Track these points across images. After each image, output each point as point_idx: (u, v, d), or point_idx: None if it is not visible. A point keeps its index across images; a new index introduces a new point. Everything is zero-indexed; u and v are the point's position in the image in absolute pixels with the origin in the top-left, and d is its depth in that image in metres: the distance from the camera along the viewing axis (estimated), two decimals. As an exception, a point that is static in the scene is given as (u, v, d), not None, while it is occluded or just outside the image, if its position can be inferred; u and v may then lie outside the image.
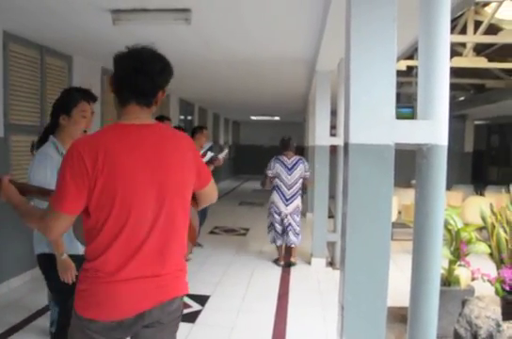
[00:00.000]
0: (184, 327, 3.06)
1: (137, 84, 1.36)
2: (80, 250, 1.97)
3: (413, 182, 6.15)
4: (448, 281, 2.77)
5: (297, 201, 4.87)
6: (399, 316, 2.64)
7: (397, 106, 1.52)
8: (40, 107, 4.30)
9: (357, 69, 1.49)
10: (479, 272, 2.65)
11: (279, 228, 4.87)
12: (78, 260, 1.82)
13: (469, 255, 2.80)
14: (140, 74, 1.35)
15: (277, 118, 15.28)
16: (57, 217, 1.29)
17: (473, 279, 2.73)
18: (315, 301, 3.79)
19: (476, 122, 11.60)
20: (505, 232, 2.52)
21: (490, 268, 2.55)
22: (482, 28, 5.05)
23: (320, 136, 4.94)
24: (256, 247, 5.73)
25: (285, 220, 4.84)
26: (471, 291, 2.73)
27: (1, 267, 3.80)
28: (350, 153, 1.51)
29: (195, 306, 3.59)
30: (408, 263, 1.61)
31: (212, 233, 6.61)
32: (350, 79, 1.50)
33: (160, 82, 1.40)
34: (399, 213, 6.04)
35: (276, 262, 4.96)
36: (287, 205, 4.83)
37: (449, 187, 7.05)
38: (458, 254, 2.77)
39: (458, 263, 2.79)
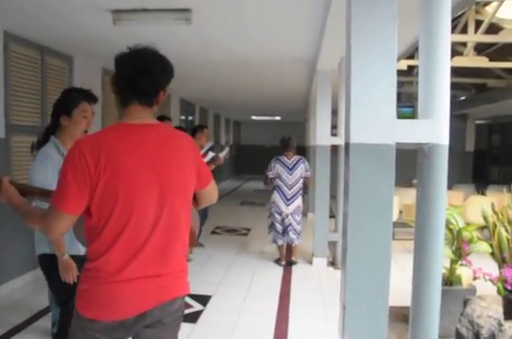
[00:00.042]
0: (185, 327, 3.06)
1: (139, 84, 1.36)
2: (81, 250, 1.97)
3: (414, 181, 6.16)
4: (450, 280, 2.76)
5: (298, 201, 4.88)
6: (401, 316, 2.64)
7: (398, 106, 1.52)
8: (41, 108, 4.30)
9: (357, 68, 1.49)
10: (481, 271, 2.64)
11: (279, 228, 4.87)
12: (79, 260, 1.83)
13: (470, 255, 2.79)
14: (142, 74, 1.35)
15: (278, 118, 15.28)
16: (59, 216, 1.29)
17: (475, 278, 2.72)
18: (317, 301, 3.79)
19: (477, 122, 11.58)
20: (507, 231, 2.51)
21: (492, 268, 2.54)
22: (483, 28, 5.04)
23: (321, 135, 4.94)
24: (257, 247, 5.73)
25: (286, 220, 4.85)
26: (472, 290, 2.72)
27: (3, 268, 3.80)
28: (351, 152, 1.51)
29: (196, 306, 3.59)
30: (409, 262, 1.60)
31: (213, 233, 6.61)
32: (351, 79, 1.50)
33: (161, 82, 1.41)
34: (400, 212, 6.03)
35: (277, 262, 4.96)
36: (288, 205, 4.83)
37: (450, 187, 7.05)
38: (460, 254, 2.77)
39: (460, 262, 2.79)
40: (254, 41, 4.35)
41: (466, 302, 2.38)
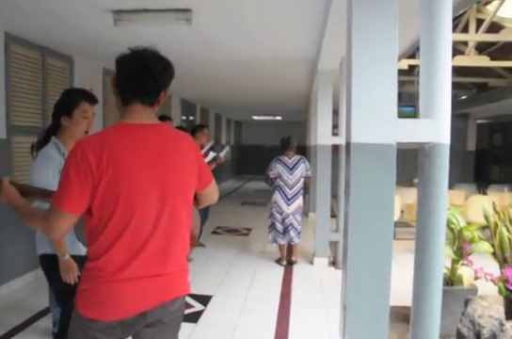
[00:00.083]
0: (186, 327, 3.07)
1: (141, 83, 1.37)
2: (82, 250, 1.97)
3: (415, 181, 6.14)
4: (451, 280, 2.76)
5: (299, 201, 4.88)
6: (402, 316, 2.64)
7: (399, 105, 1.52)
8: (42, 108, 4.31)
9: (358, 68, 1.49)
10: (482, 271, 2.64)
11: (279, 227, 4.88)
12: (80, 260, 1.83)
13: (471, 254, 2.79)
14: (143, 74, 1.36)
15: (279, 117, 15.28)
16: (60, 216, 1.29)
17: (476, 278, 2.72)
18: (318, 301, 3.79)
19: (479, 121, 11.57)
20: (508, 231, 2.51)
21: (493, 267, 2.53)
22: (484, 27, 5.04)
23: (322, 135, 4.93)
24: (258, 247, 5.73)
25: (287, 220, 4.85)
26: (473, 290, 2.72)
27: (3, 268, 3.81)
28: (352, 152, 1.51)
29: (197, 306, 3.59)
30: (410, 262, 1.60)
31: (214, 233, 6.61)
32: (352, 78, 1.49)
33: (162, 82, 1.41)
34: (401, 212, 6.03)
35: (278, 262, 4.96)
36: (289, 205, 4.83)
37: (451, 186, 7.04)
38: (461, 253, 2.76)
39: (461, 262, 2.78)
40: (255, 41, 4.35)
41: (467, 302, 2.37)
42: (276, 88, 7.74)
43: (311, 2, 3.06)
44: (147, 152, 1.35)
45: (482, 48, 6.12)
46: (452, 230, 2.79)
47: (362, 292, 1.52)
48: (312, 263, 4.93)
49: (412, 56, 5.33)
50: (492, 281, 2.43)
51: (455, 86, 1.91)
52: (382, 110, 1.48)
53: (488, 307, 2.25)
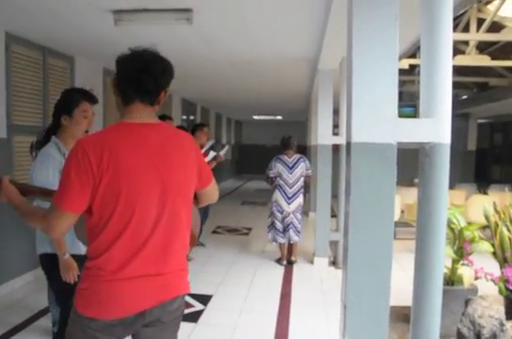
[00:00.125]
0: (186, 326, 3.07)
1: (141, 83, 1.37)
2: (82, 249, 1.97)
3: (416, 181, 6.14)
4: (451, 280, 2.76)
5: (300, 200, 4.89)
6: (402, 316, 2.63)
7: (400, 105, 1.52)
8: (43, 108, 4.31)
9: (359, 67, 1.49)
10: (482, 271, 2.63)
11: (279, 226, 4.88)
12: (80, 260, 1.82)
13: (472, 254, 2.79)
14: (143, 74, 1.36)
15: (279, 117, 15.28)
16: (60, 215, 1.29)
17: (477, 278, 2.72)
18: (318, 301, 3.78)
19: (479, 121, 11.56)
20: (509, 230, 2.51)
21: (494, 267, 2.53)
22: (485, 26, 5.03)
23: (322, 135, 4.93)
24: (258, 246, 5.73)
25: (287, 219, 4.86)
26: (474, 290, 2.72)
27: (3, 268, 3.81)
28: (352, 151, 1.51)
29: (197, 306, 3.59)
30: (410, 262, 1.60)
31: (214, 232, 6.61)
32: (352, 78, 1.49)
33: (162, 82, 1.42)
34: (402, 212, 6.03)
35: (278, 261, 4.96)
36: (290, 203, 4.84)
37: (452, 186, 7.03)
38: (461, 253, 2.76)
39: (461, 262, 2.78)
40: (255, 41, 4.34)
41: (467, 302, 2.37)
42: (276, 87, 7.74)
43: (311, 2, 3.06)
44: (147, 151, 1.35)
45: (483, 48, 6.11)
46: (452, 230, 2.79)
47: (363, 292, 1.52)
48: (312, 262, 4.93)
49: (413, 55, 5.33)
50: (493, 280, 2.43)
51: (455, 85, 1.90)
52: (383, 110, 1.48)
53: (488, 307, 2.25)
